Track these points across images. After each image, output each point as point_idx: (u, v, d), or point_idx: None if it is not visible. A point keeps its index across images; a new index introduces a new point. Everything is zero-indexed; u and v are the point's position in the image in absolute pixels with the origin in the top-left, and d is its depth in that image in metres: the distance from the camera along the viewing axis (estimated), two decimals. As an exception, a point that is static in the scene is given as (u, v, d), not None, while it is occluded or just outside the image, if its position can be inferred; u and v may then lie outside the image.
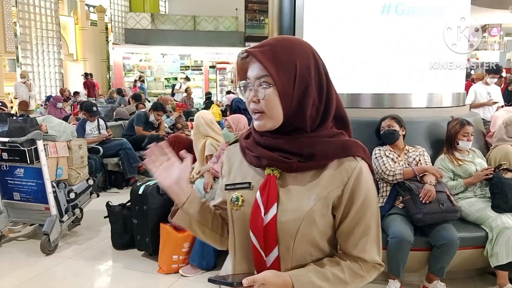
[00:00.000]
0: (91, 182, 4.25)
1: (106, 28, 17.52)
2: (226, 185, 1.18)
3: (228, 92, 12.35)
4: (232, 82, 17.02)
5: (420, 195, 2.82)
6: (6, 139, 3.45)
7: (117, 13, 17.78)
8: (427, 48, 3.59)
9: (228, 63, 17.41)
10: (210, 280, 1.00)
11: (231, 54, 17.51)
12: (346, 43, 3.66)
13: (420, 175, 2.98)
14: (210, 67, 17.19)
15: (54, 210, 3.68)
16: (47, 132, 3.73)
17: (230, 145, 1.26)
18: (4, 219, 3.79)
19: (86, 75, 14.82)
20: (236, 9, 19.30)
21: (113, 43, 17.03)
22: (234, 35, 18.66)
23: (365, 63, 3.64)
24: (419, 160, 3.14)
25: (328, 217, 1.09)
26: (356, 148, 1.09)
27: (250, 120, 5.92)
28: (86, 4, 17.07)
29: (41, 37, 12.75)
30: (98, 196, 4.40)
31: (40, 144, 3.53)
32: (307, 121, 1.06)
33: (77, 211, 4.02)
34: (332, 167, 1.07)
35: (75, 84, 15.60)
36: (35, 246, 3.64)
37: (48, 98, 9.08)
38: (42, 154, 3.54)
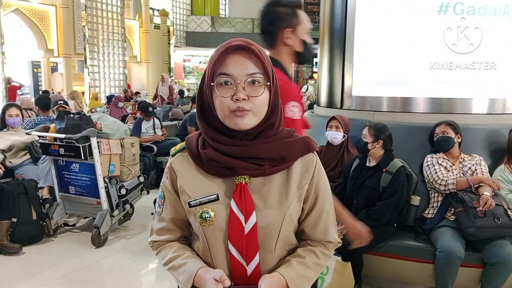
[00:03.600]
0: (142, 179, 4.39)
1: (168, 31, 18.14)
2: (189, 202, 1.10)
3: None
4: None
5: (477, 207, 2.62)
6: (62, 136, 3.65)
7: (179, 16, 18.35)
8: (489, 49, 3.35)
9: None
10: None
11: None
12: (400, 45, 3.51)
13: (475, 186, 2.78)
14: (267, 69, 17.24)
15: (105, 205, 3.83)
16: (102, 130, 3.90)
17: (173, 156, 1.17)
18: (60, 211, 4.01)
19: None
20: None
21: (174, 46, 17.61)
22: (292, 38, 18.59)
23: (421, 66, 3.47)
24: (475, 170, 2.93)
25: (299, 211, 1.14)
26: (314, 144, 1.15)
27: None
28: (151, 8, 17.79)
29: (107, 39, 13.45)
30: (148, 193, 4.53)
31: (93, 141, 3.70)
32: (277, 120, 1.10)
33: (127, 206, 4.17)
34: (297, 165, 1.12)
35: (138, 85, 16.32)
36: (87, 238, 3.81)
37: (110, 98, 9.53)
38: (95, 151, 3.71)
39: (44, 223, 3.89)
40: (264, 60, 1.04)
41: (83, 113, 3.83)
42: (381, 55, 3.61)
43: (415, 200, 2.96)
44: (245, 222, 1.06)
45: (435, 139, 3.10)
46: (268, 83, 1.05)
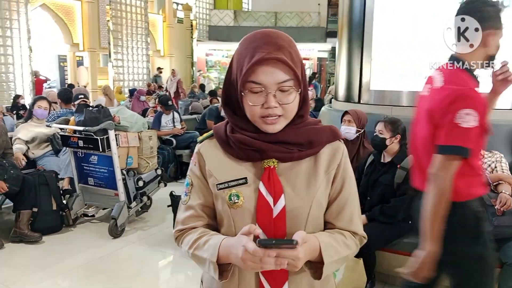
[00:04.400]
0: (159, 171, 4.44)
1: (191, 26, 18.24)
2: (218, 184, 1.09)
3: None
4: (312, 77, 16.83)
5: (495, 205, 2.54)
6: (81, 128, 3.72)
7: (202, 10, 18.43)
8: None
9: (308, 59, 17.27)
10: (261, 244, 0.94)
11: (311, 50, 17.34)
12: (419, 36, 3.42)
13: (494, 183, 2.69)
14: (290, 63, 17.16)
15: (122, 196, 3.90)
16: (120, 123, 3.96)
17: (200, 142, 1.18)
18: (80, 201, 4.11)
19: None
20: (319, 4, 19.07)
21: (197, 40, 17.70)
22: (316, 31, 18.46)
23: (440, 58, 3.38)
24: (495, 167, 2.84)
25: (327, 197, 1.13)
26: (340, 132, 1.17)
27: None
28: (174, 2, 17.90)
29: (131, 34, 13.63)
30: (165, 185, 4.58)
31: (111, 133, 3.76)
32: (307, 111, 1.12)
33: (145, 198, 4.23)
34: (325, 151, 1.12)
35: (162, 79, 16.49)
36: (105, 229, 3.89)
37: (132, 91, 9.66)
38: (113, 143, 3.77)
39: (64, 213, 3.99)
40: (294, 66, 1.02)
41: (101, 106, 3.89)
42: (400, 47, 3.53)
43: (431, 197, 2.89)
44: (274, 205, 1.05)
45: None
46: (299, 91, 1.05)
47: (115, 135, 3.82)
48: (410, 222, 2.85)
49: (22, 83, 9.93)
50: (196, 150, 1.17)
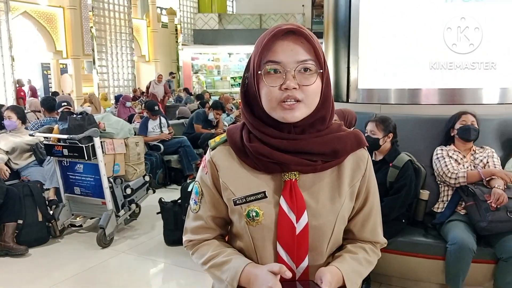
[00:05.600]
0: (147, 178, 4.36)
1: (176, 30, 18.14)
2: (235, 199, 1.03)
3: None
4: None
5: (489, 201, 2.52)
6: (65, 136, 3.63)
7: (186, 14, 18.34)
8: (499, 36, 3.24)
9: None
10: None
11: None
12: (406, 34, 3.41)
13: (487, 179, 2.68)
14: (276, 64, 17.17)
15: (110, 205, 3.81)
16: (105, 130, 3.87)
17: (213, 149, 1.09)
18: (66, 211, 4.00)
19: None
20: (303, 5, 19.11)
21: (182, 44, 17.60)
22: (300, 32, 18.47)
23: (428, 55, 3.38)
24: (487, 162, 2.82)
25: (350, 210, 1.08)
26: (364, 139, 1.10)
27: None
28: (158, 7, 17.80)
29: (115, 39, 13.48)
30: (154, 192, 4.50)
31: (97, 141, 3.67)
32: (329, 112, 1.03)
33: (133, 206, 4.15)
34: (349, 161, 1.06)
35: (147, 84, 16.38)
36: (93, 239, 3.79)
37: (118, 98, 9.55)
38: (98, 151, 3.68)
39: (50, 225, 3.88)
40: (316, 46, 0.96)
41: (85, 113, 3.80)
42: (388, 45, 3.52)
43: (424, 194, 2.87)
44: (296, 222, 0.99)
45: (459, 127, 2.91)
46: (321, 71, 0.97)
47: (101, 142, 3.74)
48: (403, 220, 2.83)
49: (5, 93, 9.74)
50: (207, 157, 1.09)
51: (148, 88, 12.74)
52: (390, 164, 2.79)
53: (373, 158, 2.90)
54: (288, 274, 0.93)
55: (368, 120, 2.94)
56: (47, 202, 3.98)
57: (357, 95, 3.84)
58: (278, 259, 1.01)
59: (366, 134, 2.87)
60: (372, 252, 1.12)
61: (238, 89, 15.25)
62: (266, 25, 18.55)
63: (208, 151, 1.10)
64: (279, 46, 0.95)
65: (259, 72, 0.96)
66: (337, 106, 3.86)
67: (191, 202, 1.12)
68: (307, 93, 0.95)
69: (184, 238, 1.14)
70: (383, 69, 3.58)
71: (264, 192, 1.01)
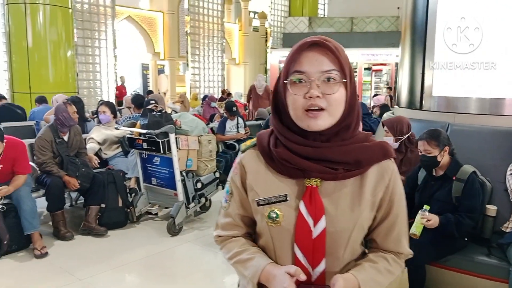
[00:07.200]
0: (217, 174, 4.58)
1: (266, 33, 18.51)
2: (258, 200, 1.09)
3: (375, 95, 11.88)
4: (387, 84, 16.25)
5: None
6: (144, 131, 3.97)
7: (277, 18, 18.63)
8: None
9: (385, 64, 16.70)
10: None
11: (388, 55, 16.73)
12: (490, 39, 3.20)
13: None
14: (365, 68, 16.73)
15: (181, 197, 4.08)
16: (181, 127, 4.15)
17: (243, 152, 1.17)
18: (144, 200, 4.37)
19: None
20: (398, 8, 18.38)
21: (271, 47, 17.92)
22: (394, 35, 17.74)
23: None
24: None
25: (371, 220, 1.10)
26: (391, 150, 1.10)
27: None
28: (250, 11, 18.31)
29: (207, 43, 14.18)
30: (223, 188, 4.69)
31: (172, 137, 3.96)
32: (354, 121, 1.05)
33: (203, 199, 4.39)
34: (373, 171, 1.07)
35: (236, 86, 16.95)
36: (165, 227, 4.09)
37: (204, 98, 10.03)
38: (173, 146, 3.97)
39: (129, 210, 4.26)
40: (340, 57, 1.01)
41: (164, 111, 4.11)
42: (467, 51, 3.32)
43: (491, 210, 2.68)
44: (314, 226, 1.04)
45: None
46: (345, 80, 1.01)
47: (176, 138, 4.02)
48: (466, 239, 2.67)
49: (107, 89, 10.76)
50: (238, 159, 1.16)
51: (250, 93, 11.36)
52: (454, 178, 2.64)
53: (434, 174, 2.76)
54: (303, 277, 0.99)
55: (418, 138, 2.79)
56: (128, 190, 4.38)
57: (431, 102, 3.67)
58: (295, 259, 1.06)
59: (420, 153, 2.72)
60: (394, 262, 1.12)
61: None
62: (357, 28, 18.16)
63: (239, 154, 1.19)
64: (304, 57, 1.01)
65: (285, 81, 1.03)
66: (410, 113, 3.74)
67: (223, 200, 1.22)
68: (330, 101, 0.99)
69: (215, 233, 1.23)
70: (460, 76, 3.39)
71: (285, 195, 1.06)
